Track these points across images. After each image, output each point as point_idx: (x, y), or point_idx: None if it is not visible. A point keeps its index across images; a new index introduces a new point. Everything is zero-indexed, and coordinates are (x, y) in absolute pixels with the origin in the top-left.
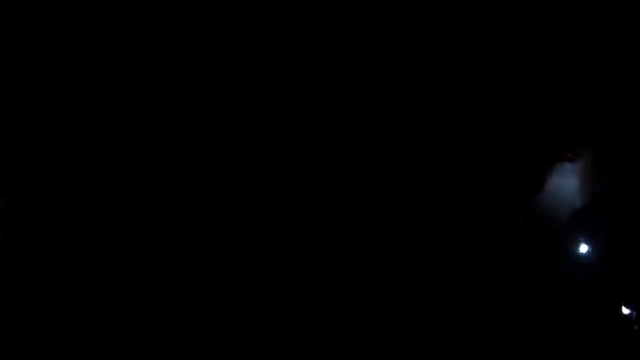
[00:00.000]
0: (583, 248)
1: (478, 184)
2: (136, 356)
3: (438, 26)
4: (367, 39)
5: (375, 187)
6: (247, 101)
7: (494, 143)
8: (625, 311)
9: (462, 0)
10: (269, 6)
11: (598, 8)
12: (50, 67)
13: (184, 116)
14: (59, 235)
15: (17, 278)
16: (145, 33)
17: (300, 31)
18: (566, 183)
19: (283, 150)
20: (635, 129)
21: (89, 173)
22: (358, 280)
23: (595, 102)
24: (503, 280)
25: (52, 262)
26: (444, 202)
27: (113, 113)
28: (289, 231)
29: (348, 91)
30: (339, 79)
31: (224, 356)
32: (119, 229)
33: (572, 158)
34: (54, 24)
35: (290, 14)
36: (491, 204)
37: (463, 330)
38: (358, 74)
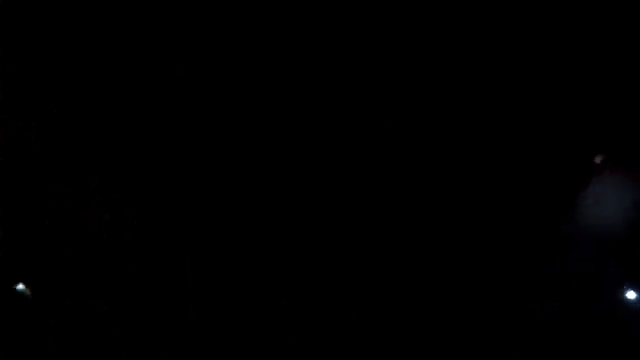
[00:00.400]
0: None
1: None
2: (136, 356)
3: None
4: (368, 39)
5: (379, 188)
6: (247, 101)
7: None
8: (631, 295)
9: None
10: (269, 6)
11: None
12: (50, 67)
13: (184, 116)
14: (59, 235)
15: (17, 278)
16: (145, 33)
17: (300, 31)
18: (605, 192)
19: (283, 150)
20: None
21: (89, 173)
22: (358, 280)
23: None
24: (523, 282)
25: (52, 262)
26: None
27: (113, 113)
28: (289, 231)
29: (348, 91)
30: (339, 79)
31: (224, 356)
32: (119, 229)
33: (611, 169)
34: (54, 24)
35: (290, 14)
36: (527, 210)
37: (466, 331)
38: (360, 74)
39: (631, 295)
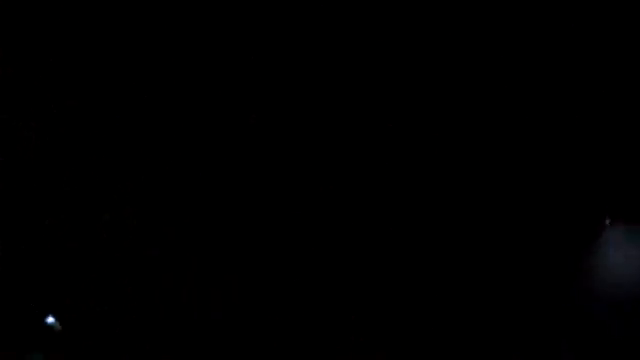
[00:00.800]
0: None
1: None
2: (136, 356)
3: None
4: (368, 40)
5: (379, 188)
6: (247, 101)
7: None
8: None
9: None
10: (269, 6)
11: None
12: (50, 67)
13: (184, 116)
14: (59, 235)
15: (17, 278)
16: (145, 34)
17: (300, 31)
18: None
19: (283, 150)
20: None
21: (89, 173)
22: (358, 280)
23: None
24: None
25: (52, 262)
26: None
27: (113, 113)
28: (289, 231)
29: (348, 91)
30: (339, 79)
31: (225, 356)
32: (119, 229)
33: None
34: (54, 24)
35: (290, 14)
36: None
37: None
38: (360, 74)
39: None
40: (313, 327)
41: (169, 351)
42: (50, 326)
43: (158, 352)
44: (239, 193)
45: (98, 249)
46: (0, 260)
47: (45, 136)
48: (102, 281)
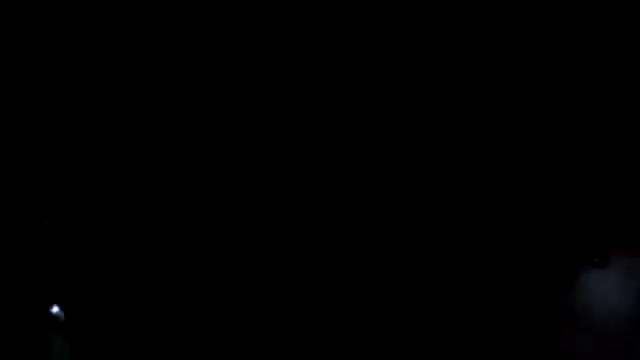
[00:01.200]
0: None
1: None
2: (137, 356)
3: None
4: (368, 40)
5: (379, 188)
6: (247, 101)
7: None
8: None
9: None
10: (269, 6)
11: None
12: (50, 67)
13: (184, 116)
14: (59, 235)
15: (17, 278)
16: (145, 34)
17: (300, 31)
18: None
19: (282, 150)
20: None
21: (89, 173)
22: (359, 280)
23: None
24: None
25: (52, 262)
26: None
27: (113, 113)
28: (290, 231)
29: (348, 91)
30: (339, 79)
31: (225, 356)
32: (119, 229)
33: (602, 264)
34: (54, 24)
35: (290, 14)
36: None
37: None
38: (360, 74)
39: None
40: (313, 327)
41: (169, 351)
42: (54, 316)
43: (158, 352)
44: (239, 193)
45: (98, 249)
46: (0, 260)
47: (45, 136)
48: (102, 281)
